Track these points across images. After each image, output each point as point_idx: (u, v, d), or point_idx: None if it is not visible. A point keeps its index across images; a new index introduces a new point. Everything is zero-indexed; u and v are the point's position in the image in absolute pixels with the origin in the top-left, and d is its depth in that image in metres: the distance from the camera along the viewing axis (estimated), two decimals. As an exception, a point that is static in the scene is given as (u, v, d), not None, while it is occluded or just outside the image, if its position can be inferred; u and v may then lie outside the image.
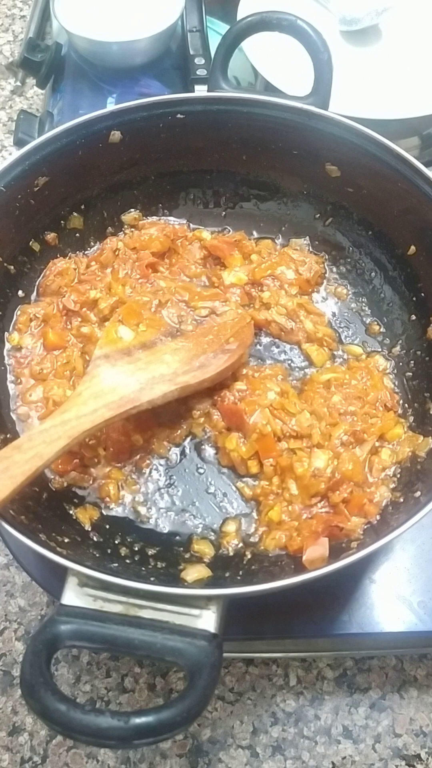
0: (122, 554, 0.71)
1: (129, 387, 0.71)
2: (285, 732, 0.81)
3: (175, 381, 0.74)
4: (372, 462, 0.76)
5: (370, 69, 1.12)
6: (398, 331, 0.87)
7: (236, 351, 0.80)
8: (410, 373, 0.84)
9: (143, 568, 0.70)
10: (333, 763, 0.79)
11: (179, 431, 0.80)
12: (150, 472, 0.79)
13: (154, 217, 0.95)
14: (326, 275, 0.93)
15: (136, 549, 0.73)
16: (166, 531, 0.76)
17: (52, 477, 0.77)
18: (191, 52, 1.16)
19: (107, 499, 0.76)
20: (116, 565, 0.68)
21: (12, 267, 0.84)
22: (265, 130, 0.86)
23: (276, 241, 0.96)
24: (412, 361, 0.84)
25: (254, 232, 0.96)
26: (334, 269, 0.94)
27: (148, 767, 0.79)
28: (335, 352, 0.87)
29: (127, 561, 0.71)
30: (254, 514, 0.76)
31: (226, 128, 0.87)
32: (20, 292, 0.87)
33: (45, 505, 0.73)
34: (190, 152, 0.91)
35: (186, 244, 0.94)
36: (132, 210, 0.94)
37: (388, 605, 0.78)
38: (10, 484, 0.60)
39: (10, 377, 0.83)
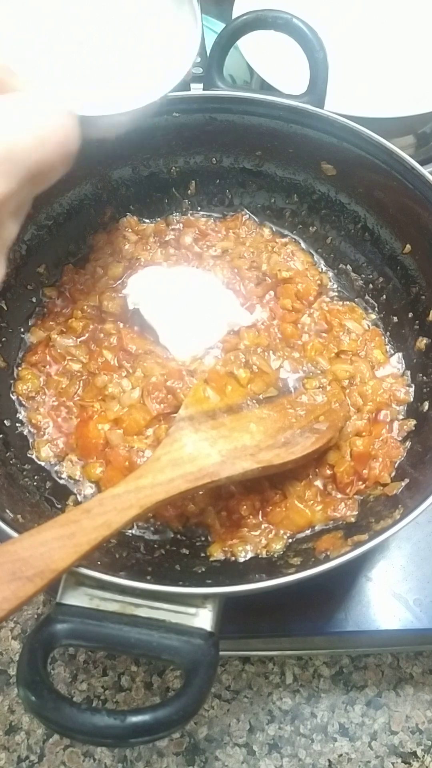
0: (124, 554, 0.71)
1: (210, 458, 0.66)
2: (281, 730, 0.81)
3: (258, 458, 0.68)
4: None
5: (366, 67, 1.12)
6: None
7: (325, 433, 0.74)
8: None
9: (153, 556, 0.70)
10: (329, 760, 0.79)
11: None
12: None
13: (146, 220, 0.95)
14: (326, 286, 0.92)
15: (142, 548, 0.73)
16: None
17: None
18: (187, 50, 1.16)
19: None
20: (118, 557, 0.68)
21: None
22: (260, 129, 0.86)
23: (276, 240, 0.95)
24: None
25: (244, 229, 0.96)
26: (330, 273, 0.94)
27: (145, 765, 0.79)
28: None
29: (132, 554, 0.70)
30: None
31: (222, 127, 0.87)
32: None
33: (43, 502, 0.73)
34: (185, 151, 0.91)
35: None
36: (128, 214, 0.94)
37: (384, 603, 0.78)
38: (73, 553, 0.54)
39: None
